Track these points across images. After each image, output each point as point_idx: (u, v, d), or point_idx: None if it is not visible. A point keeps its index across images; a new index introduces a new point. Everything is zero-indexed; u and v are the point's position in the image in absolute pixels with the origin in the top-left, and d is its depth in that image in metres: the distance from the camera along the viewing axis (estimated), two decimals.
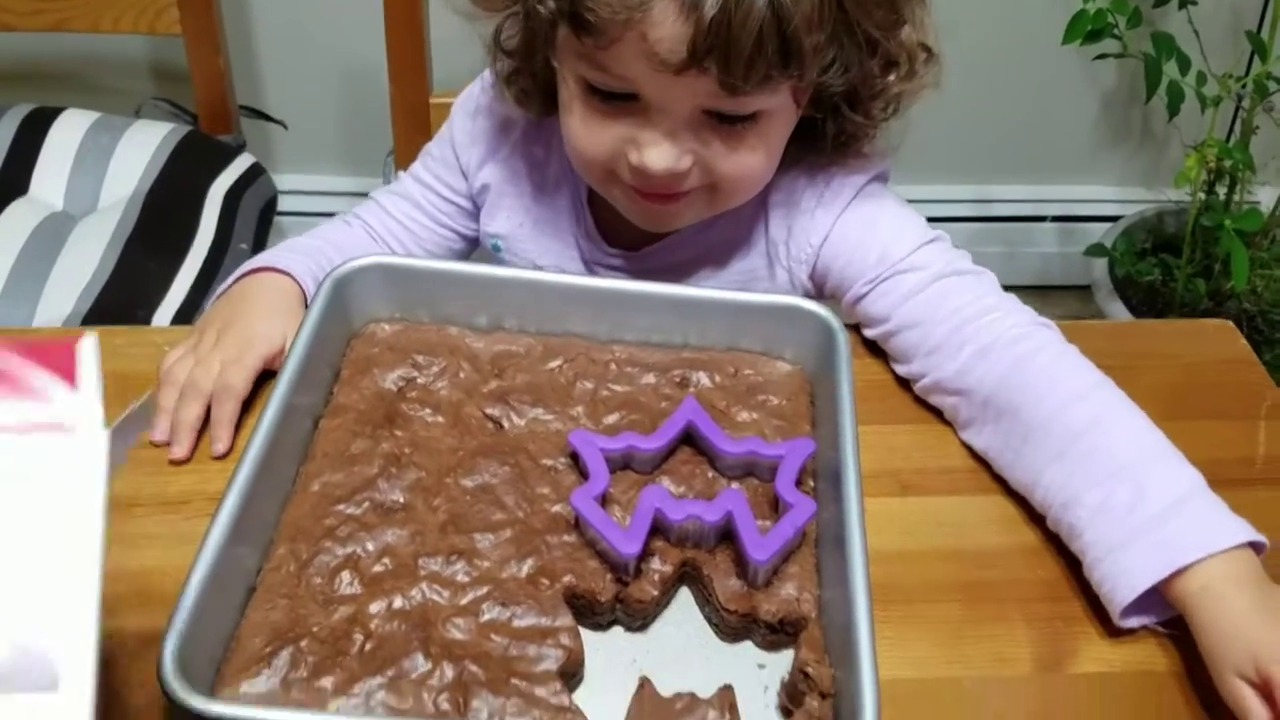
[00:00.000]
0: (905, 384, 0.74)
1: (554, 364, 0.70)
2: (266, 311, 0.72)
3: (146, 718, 0.54)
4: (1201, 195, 1.53)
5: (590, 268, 0.83)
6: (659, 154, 0.69)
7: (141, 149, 1.26)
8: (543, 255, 0.83)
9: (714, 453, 0.64)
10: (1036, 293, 0.68)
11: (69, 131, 1.26)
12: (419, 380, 0.68)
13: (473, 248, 0.89)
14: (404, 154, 1.17)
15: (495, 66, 0.78)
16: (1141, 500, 0.59)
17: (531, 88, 0.77)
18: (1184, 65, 1.46)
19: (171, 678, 0.49)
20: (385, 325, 0.71)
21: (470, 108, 0.84)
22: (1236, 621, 0.55)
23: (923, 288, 0.72)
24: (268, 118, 1.55)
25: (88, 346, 0.40)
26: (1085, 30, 1.39)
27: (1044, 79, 1.64)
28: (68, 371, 0.39)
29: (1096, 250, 1.62)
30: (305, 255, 0.77)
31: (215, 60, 1.28)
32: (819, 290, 0.79)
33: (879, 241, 0.74)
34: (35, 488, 0.38)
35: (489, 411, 0.67)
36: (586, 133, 0.72)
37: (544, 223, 0.83)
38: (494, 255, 0.86)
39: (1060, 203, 1.81)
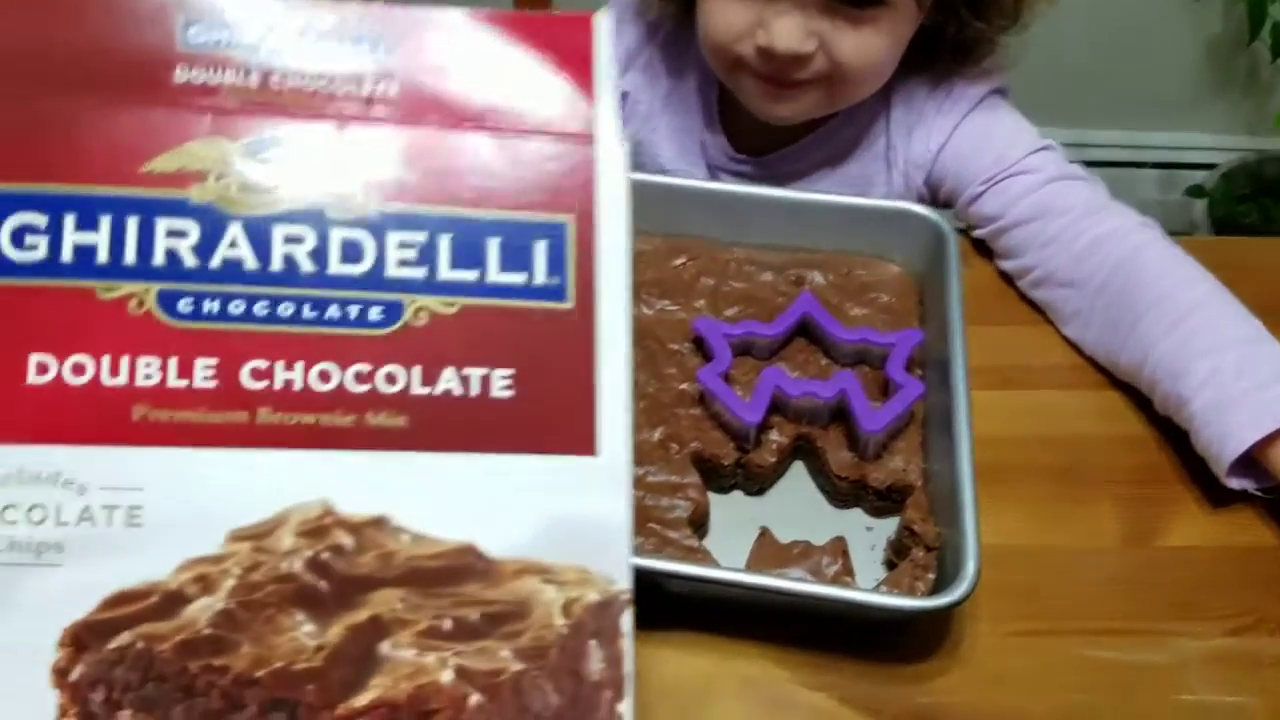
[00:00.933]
0: (1011, 287, 0.78)
1: (678, 261, 0.75)
2: None
3: None
4: None
5: (714, 173, 0.89)
6: (786, 35, 0.74)
7: None
8: (671, 159, 0.89)
9: (828, 341, 0.69)
10: None
11: None
12: None
13: None
14: None
15: None
16: (1251, 369, 0.64)
17: None
18: None
19: None
20: None
21: (615, 15, 0.91)
22: None
23: (1038, 188, 0.77)
24: None
25: (603, 28, 0.36)
26: None
27: (1146, 21, 1.65)
28: (580, 66, 0.35)
29: (1195, 192, 1.62)
30: None
31: None
32: (932, 196, 0.84)
33: (996, 145, 0.80)
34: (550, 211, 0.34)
35: None
36: (719, 12, 0.77)
37: (675, 127, 0.89)
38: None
39: (1161, 149, 1.81)
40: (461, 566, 0.32)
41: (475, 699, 0.30)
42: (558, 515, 0.32)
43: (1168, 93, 1.75)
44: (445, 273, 0.33)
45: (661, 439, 0.65)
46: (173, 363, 0.31)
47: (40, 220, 0.31)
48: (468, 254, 0.33)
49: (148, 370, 0.31)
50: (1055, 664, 0.58)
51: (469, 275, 0.33)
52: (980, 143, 0.81)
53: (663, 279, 0.74)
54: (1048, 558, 0.63)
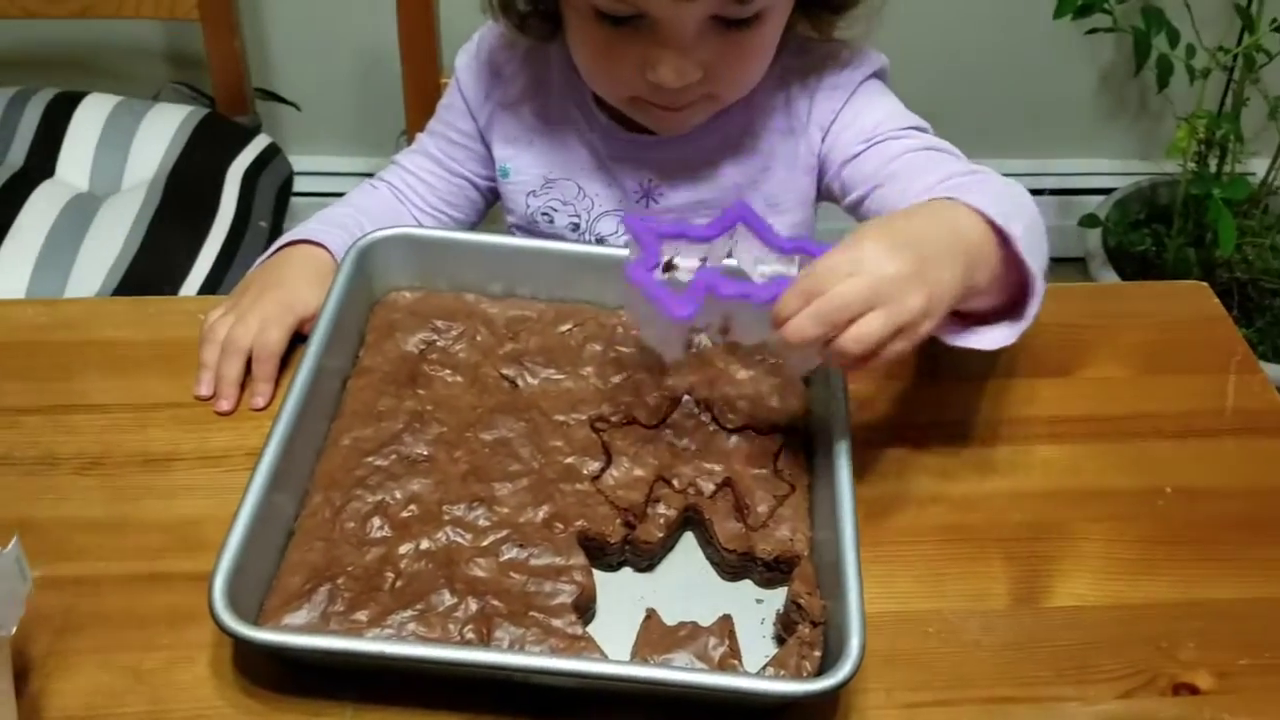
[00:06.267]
0: None
1: (565, 327, 0.74)
2: (304, 279, 0.77)
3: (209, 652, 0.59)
4: (1193, 166, 1.57)
5: (608, 164, 0.87)
6: (675, 70, 0.74)
7: (162, 131, 1.30)
8: (554, 167, 0.88)
9: (763, 247, 0.65)
10: None
11: (92, 115, 1.31)
12: (439, 343, 0.73)
13: (489, 203, 0.94)
14: (416, 134, 1.21)
15: None
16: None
17: (529, 10, 0.81)
18: (1174, 38, 1.50)
19: (221, 610, 0.54)
20: (406, 293, 0.75)
21: (472, 49, 0.90)
22: None
23: (916, 149, 0.79)
24: (282, 99, 1.60)
25: None
26: (1076, 5, 1.43)
27: (1039, 54, 1.68)
28: None
29: (1089, 221, 1.65)
30: (339, 228, 0.82)
31: (231, 43, 1.33)
32: (820, 166, 0.86)
33: (880, 111, 0.83)
34: None
35: (504, 372, 0.71)
36: (602, 63, 0.78)
37: (552, 136, 0.88)
38: (503, 181, 0.90)
39: (1058, 176, 1.85)
40: None
41: None
42: None
43: (1063, 122, 1.78)
44: None
45: (546, 518, 0.63)
46: None
47: None
48: None
49: None
50: None
51: None
52: (867, 108, 0.83)
53: (548, 346, 0.73)
54: (938, 622, 0.62)
